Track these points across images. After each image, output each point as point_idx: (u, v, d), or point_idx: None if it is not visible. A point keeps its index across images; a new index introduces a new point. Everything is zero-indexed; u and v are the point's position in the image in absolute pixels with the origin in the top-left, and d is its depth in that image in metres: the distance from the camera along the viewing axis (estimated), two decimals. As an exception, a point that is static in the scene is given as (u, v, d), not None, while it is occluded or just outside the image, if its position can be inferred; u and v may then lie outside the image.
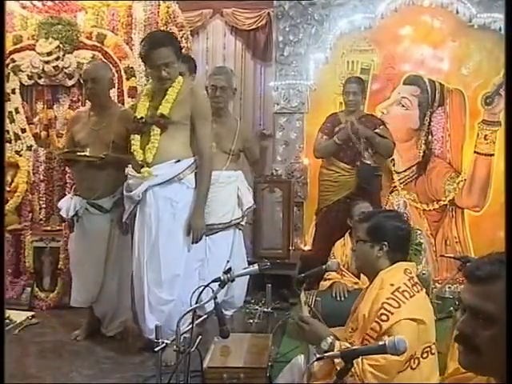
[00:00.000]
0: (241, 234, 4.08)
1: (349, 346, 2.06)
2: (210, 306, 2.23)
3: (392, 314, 2.08)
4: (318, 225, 4.98)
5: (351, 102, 4.78)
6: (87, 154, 3.78)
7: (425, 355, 2.11)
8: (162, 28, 4.80)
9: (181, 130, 3.45)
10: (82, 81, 4.08)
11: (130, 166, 3.55)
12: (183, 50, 4.84)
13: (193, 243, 3.48)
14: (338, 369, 1.78)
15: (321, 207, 4.94)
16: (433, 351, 2.15)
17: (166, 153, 3.41)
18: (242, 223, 4.06)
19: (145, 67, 3.47)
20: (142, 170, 3.39)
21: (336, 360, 1.98)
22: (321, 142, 4.89)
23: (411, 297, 2.14)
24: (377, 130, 4.81)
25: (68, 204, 3.92)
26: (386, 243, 2.27)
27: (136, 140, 3.47)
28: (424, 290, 2.25)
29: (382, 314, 2.09)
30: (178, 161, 3.41)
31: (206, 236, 3.92)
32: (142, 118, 3.45)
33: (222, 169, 3.89)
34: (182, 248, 3.44)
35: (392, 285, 2.16)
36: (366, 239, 2.31)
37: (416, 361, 2.07)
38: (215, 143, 3.91)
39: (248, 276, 3.75)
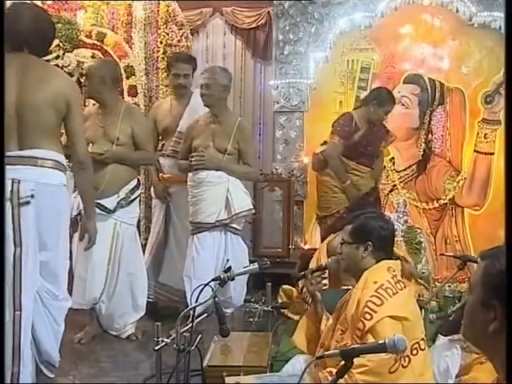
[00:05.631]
0: (237, 239, 3.98)
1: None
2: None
3: (375, 312, 2.10)
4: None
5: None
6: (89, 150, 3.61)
7: (414, 352, 2.12)
8: (161, 27, 4.79)
9: None
10: (84, 78, 3.96)
11: None
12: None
13: None
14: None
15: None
16: (422, 347, 2.16)
17: None
18: (237, 227, 3.95)
19: None
20: None
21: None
22: (337, 147, 4.39)
23: (394, 294, 2.16)
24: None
25: (71, 203, 3.87)
26: (370, 243, 2.30)
27: None
28: (408, 287, 2.27)
29: (365, 313, 2.12)
30: None
31: (194, 234, 3.91)
32: None
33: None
34: None
35: (375, 282, 2.19)
36: (349, 241, 2.35)
37: (406, 358, 2.07)
38: (211, 142, 3.90)
39: (247, 275, 3.74)
